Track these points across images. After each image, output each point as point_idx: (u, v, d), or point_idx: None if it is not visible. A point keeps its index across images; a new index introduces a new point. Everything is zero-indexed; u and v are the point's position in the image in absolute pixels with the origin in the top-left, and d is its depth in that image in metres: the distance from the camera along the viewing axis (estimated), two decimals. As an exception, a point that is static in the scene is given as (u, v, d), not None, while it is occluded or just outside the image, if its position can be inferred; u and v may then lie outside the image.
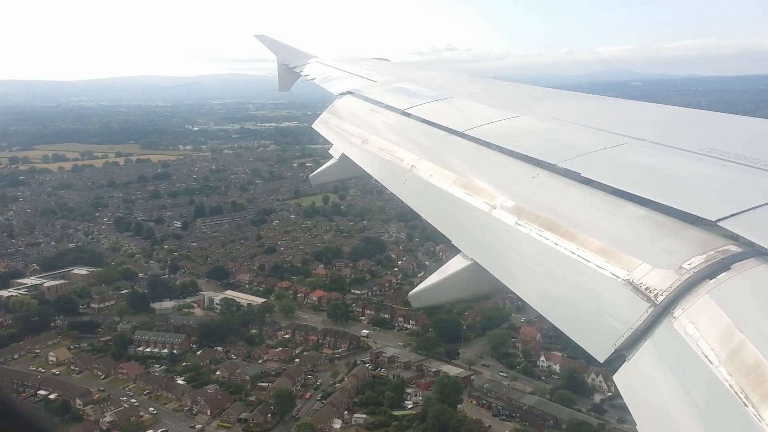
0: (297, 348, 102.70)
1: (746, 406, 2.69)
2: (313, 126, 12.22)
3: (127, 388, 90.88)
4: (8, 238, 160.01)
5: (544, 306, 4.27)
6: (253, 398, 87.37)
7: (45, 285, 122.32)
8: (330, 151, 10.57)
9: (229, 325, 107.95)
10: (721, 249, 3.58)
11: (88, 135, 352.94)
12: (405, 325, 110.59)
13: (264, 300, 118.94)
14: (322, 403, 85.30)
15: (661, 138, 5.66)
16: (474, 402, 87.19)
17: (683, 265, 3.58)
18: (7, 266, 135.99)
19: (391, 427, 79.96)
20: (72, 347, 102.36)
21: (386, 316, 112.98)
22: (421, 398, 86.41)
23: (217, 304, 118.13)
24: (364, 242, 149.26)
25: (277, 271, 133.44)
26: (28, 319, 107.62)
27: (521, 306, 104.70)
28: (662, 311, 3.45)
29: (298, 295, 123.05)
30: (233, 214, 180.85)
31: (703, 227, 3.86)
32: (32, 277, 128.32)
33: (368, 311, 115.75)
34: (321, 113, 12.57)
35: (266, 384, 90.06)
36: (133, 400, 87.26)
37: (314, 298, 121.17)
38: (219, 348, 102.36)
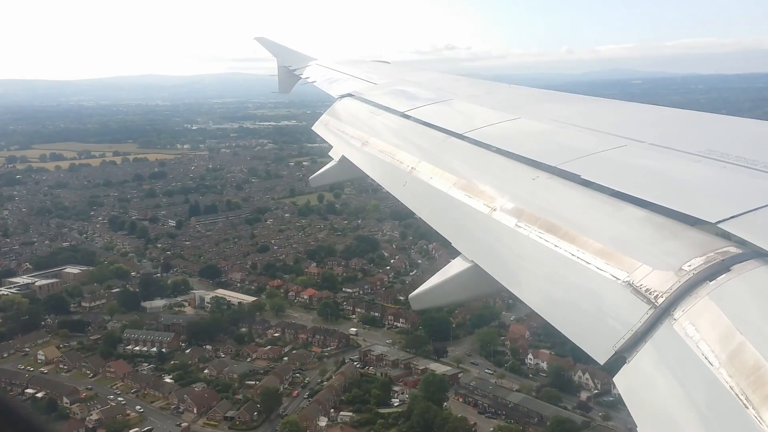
0: (286, 346, 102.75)
1: (747, 407, 2.68)
2: (312, 128, 12.29)
3: (114, 387, 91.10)
4: (2, 237, 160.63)
5: (544, 308, 4.27)
6: (240, 396, 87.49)
7: (36, 284, 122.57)
8: (330, 153, 10.65)
9: (219, 323, 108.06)
10: (721, 251, 3.57)
11: (87, 134, 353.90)
12: (395, 324, 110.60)
13: (255, 298, 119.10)
14: (309, 401, 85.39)
15: (660, 140, 5.67)
16: (460, 400, 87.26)
17: (683, 267, 3.58)
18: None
19: (377, 425, 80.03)
20: (61, 346, 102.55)
21: (376, 314, 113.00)
22: (407, 396, 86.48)
23: (207, 302, 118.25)
24: (358, 241, 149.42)
25: (269, 270, 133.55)
26: (18, 318, 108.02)
27: (511, 304, 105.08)
28: (662, 313, 3.45)
29: (290, 293, 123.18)
30: (228, 213, 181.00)
31: (703, 229, 3.86)
32: (24, 276, 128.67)
33: (359, 309, 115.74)
34: (320, 112, 12.68)
35: (254, 382, 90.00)
36: (120, 399, 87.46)
37: (305, 297, 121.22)
38: (208, 346, 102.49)
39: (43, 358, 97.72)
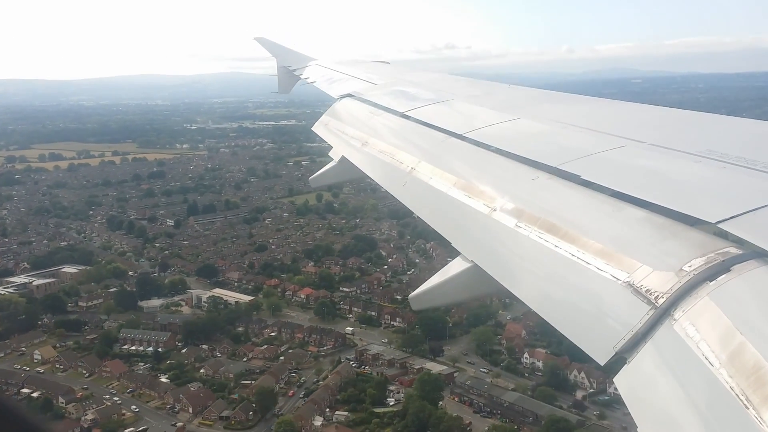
0: (282, 346, 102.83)
1: (747, 408, 2.68)
2: (312, 129, 12.31)
3: (110, 386, 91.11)
4: (1, 236, 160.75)
5: (544, 308, 4.27)
6: (235, 396, 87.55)
7: (34, 283, 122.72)
8: (330, 154, 10.66)
9: (216, 323, 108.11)
10: (721, 251, 3.58)
11: (86, 134, 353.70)
12: (392, 323, 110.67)
13: (252, 298, 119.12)
14: (305, 400, 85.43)
15: (660, 140, 5.67)
16: (456, 399, 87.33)
17: (683, 267, 3.58)
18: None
19: (372, 424, 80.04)
20: (58, 345, 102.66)
21: (373, 313, 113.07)
22: (403, 395, 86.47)
23: (204, 302, 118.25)
24: (355, 240, 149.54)
25: (266, 269, 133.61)
26: (15, 318, 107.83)
27: (508, 303, 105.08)
28: (663, 313, 3.45)
29: (287, 293, 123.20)
30: (226, 213, 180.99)
31: (703, 229, 3.87)
32: (22, 276, 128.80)
33: (356, 309, 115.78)
34: (320, 112, 12.69)
35: (249, 382, 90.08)
36: (115, 398, 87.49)
37: (302, 296, 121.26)
38: (204, 346, 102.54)
39: (39, 357, 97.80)
